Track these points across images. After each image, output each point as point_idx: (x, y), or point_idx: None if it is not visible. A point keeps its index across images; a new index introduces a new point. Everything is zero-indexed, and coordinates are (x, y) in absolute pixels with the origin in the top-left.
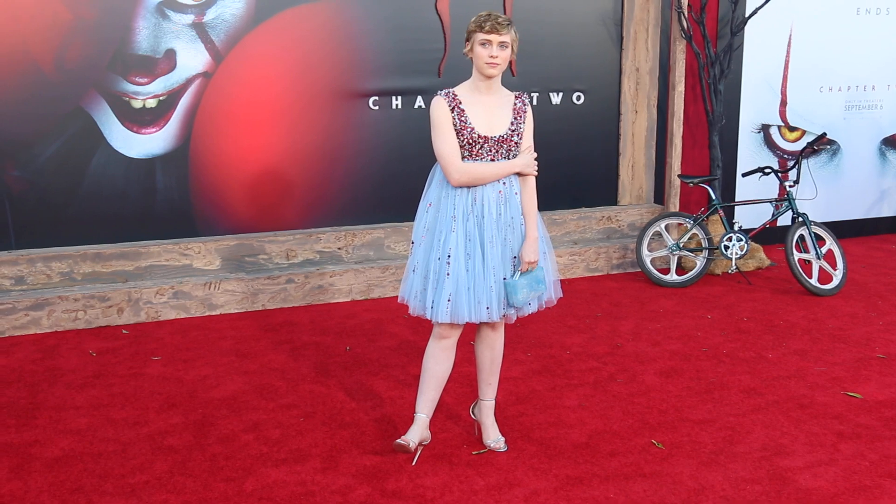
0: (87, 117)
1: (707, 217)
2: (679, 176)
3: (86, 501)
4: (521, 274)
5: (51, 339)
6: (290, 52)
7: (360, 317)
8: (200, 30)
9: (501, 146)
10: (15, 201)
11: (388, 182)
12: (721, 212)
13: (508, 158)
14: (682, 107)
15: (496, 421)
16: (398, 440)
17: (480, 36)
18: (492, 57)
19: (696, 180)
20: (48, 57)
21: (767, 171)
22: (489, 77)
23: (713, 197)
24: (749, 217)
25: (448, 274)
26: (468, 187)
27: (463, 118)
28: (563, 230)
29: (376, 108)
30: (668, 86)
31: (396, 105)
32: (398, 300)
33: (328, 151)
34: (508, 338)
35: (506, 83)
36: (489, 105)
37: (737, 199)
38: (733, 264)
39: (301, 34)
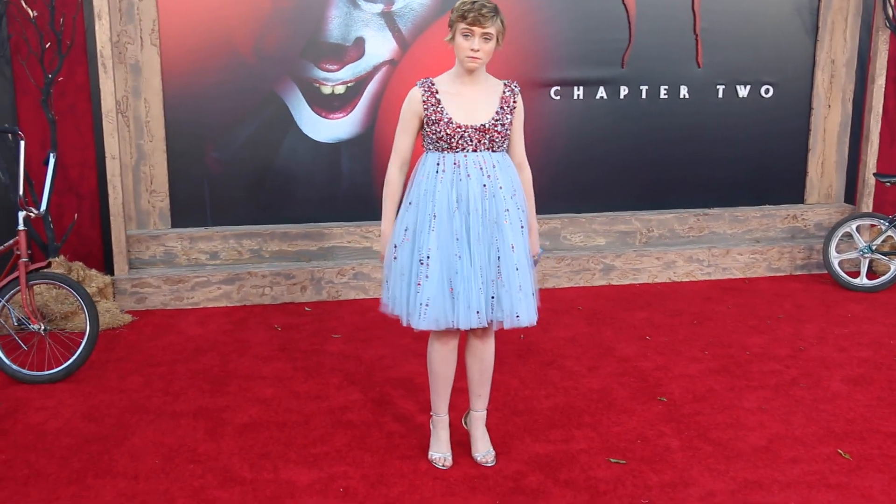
0: (280, 102)
1: None
2: (875, 174)
3: (272, 467)
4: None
5: (240, 312)
6: None
7: None
8: (389, 18)
9: (483, 136)
10: (213, 181)
11: (566, 172)
12: None
13: (493, 150)
14: (882, 101)
15: (488, 431)
16: (436, 462)
17: (462, 26)
18: (473, 50)
19: (893, 179)
20: (248, 45)
21: None
22: (470, 71)
23: None
24: None
25: (427, 276)
26: (451, 182)
27: (438, 109)
28: (745, 227)
29: (558, 97)
30: (867, 79)
31: (578, 95)
32: (379, 308)
33: None
34: (685, 335)
35: (690, 75)
36: (471, 95)
37: None
38: None
39: None
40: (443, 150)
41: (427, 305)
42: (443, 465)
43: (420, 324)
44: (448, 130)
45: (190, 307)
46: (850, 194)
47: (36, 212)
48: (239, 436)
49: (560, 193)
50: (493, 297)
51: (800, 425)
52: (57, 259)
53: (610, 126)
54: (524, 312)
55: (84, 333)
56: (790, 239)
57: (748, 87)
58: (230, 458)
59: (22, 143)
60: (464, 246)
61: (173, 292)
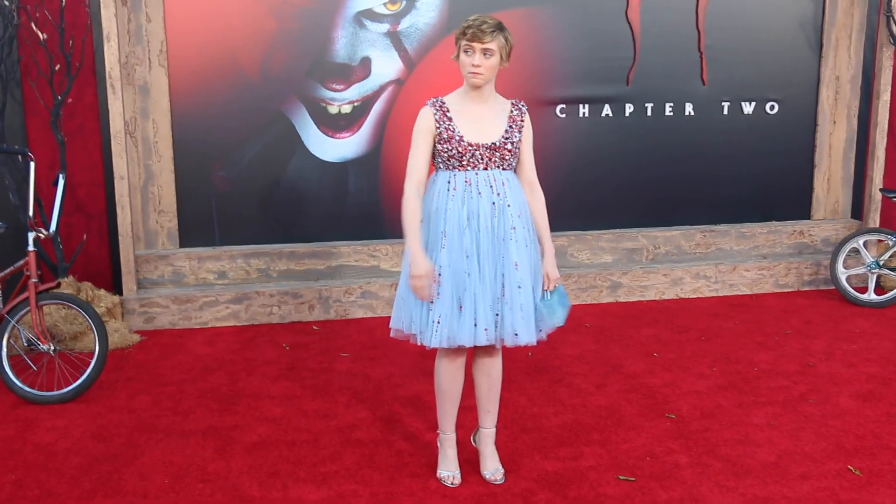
0: (286, 121)
1: None
2: (881, 190)
3: (282, 486)
4: (550, 293)
5: (248, 331)
6: None
7: None
8: (395, 38)
9: (494, 154)
10: (220, 201)
11: (572, 190)
12: None
13: (503, 168)
14: (888, 117)
15: (497, 449)
16: (444, 480)
17: (463, 42)
18: (474, 66)
19: None
20: (255, 65)
21: None
22: (475, 87)
23: None
24: None
25: (438, 294)
26: (462, 200)
27: (450, 127)
28: (752, 244)
29: (563, 116)
30: (872, 95)
31: (583, 113)
32: (391, 334)
33: None
34: (692, 351)
35: (695, 92)
36: (481, 113)
37: None
38: None
39: None
40: (454, 168)
41: (438, 322)
42: (451, 484)
43: (432, 341)
44: (460, 148)
45: (198, 327)
46: (857, 210)
47: (45, 232)
48: (248, 454)
49: (566, 211)
50: (497, 315)
51: (809, 441)
52: (66, 279)
53: (615, 144)
54: (523, 331)
55: (93, 353)
56: (797, 255)
57: (753, 103)
58: (239, 477)
59: (32, 165)
60: (473, 263)
61: (181, 312)
